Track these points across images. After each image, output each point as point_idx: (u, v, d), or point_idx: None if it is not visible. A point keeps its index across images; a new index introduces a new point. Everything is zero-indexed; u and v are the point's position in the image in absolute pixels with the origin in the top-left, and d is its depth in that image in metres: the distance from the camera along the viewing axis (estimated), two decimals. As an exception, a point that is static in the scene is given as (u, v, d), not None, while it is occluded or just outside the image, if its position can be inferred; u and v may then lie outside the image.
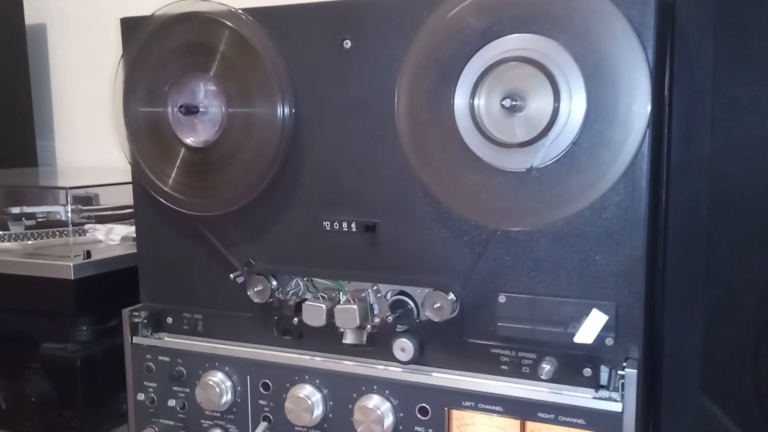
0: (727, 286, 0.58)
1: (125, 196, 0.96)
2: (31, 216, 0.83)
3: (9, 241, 0.85)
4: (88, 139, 1.35)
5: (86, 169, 1.31)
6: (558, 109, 0.55)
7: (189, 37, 0.67)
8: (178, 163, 0.69)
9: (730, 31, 0.55)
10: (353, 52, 0.63)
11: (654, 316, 0.61)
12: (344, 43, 0.63)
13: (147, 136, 0.70)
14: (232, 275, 0.69)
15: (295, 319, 0.67)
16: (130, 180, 0.75)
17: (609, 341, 0.57)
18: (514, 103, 0.56)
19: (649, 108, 0.53)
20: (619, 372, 0.56)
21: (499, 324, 0.61)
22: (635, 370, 0.55)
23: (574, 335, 0.57)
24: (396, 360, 0.64)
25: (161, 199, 0.70)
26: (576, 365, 0.58)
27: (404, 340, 0.63)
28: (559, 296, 0.58)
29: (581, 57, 0.54)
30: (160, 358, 0.74)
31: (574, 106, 0.55)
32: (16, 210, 0.83)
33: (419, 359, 0.64)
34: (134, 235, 0.85)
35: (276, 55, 0.65)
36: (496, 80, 0.57)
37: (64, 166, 1.37)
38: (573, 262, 0.58)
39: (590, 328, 0.56)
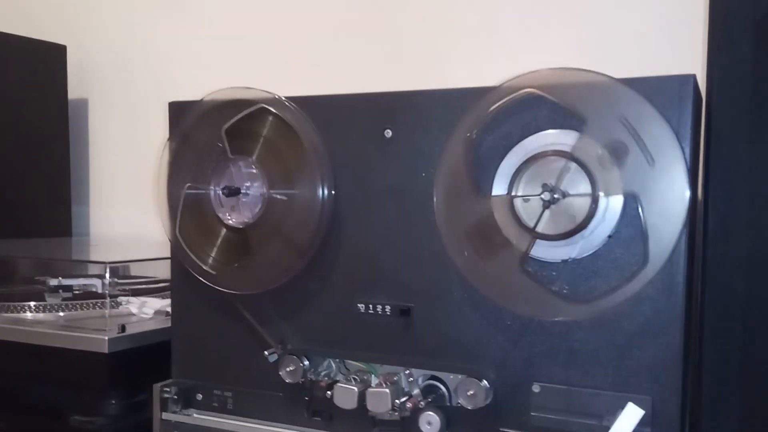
0: (764, 382, 0.57)
1: (158, 268, 0.98)
2: (68, 288, 0.85)
3: (44, 312, 0.86)
4: (121, 206, 1.40)
5: (118, 239, 1.34)
6: (596, 204, 0.56)
7: (234, 122, 0.70)
8: (218, 242, 0.70)
9: (764, 127, 0.56)
10: (394, 142, 0.65)
11: (690, 411, 0.61)
12: (385, 132, 0.66)
13: (189, 215, 0.72)
14: (266, 352, 0.70)
15: (327, 400, 0.67)
16: (166, 255, 0.77)
17: (645, 437, 0.56)
18: (553, 196, 0.57)
19: (686, 205, 0.54)
20: (656, 469, 0.56)
21: (532, 414, 0.60)
22: (673, 467, 0.55)
23: (608, 429, 0.56)
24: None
25: (200, 277, 0.71)
26: (611, 460, 0.57)
27: (430, 413, 0.62)
28: (595, 388, 0.58)
29: (619, 153, 0.56)
30: (188, 435, 0.74)
31: (612, 200, 0.56)
32: (54, 282, 0.85)
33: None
34: (167, 309, 0.87)
35: (317, 140, 0.68)
36: (534, 173, 0.59)
37: (97, 235, 1.41)
38: (609, 354, 0.58)
39: (625, 422, 0.56)
